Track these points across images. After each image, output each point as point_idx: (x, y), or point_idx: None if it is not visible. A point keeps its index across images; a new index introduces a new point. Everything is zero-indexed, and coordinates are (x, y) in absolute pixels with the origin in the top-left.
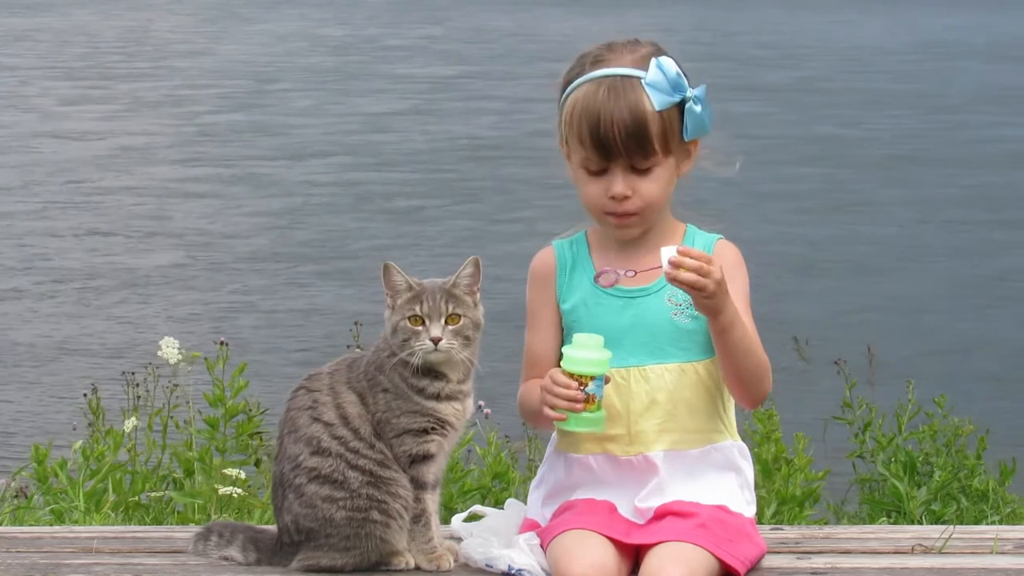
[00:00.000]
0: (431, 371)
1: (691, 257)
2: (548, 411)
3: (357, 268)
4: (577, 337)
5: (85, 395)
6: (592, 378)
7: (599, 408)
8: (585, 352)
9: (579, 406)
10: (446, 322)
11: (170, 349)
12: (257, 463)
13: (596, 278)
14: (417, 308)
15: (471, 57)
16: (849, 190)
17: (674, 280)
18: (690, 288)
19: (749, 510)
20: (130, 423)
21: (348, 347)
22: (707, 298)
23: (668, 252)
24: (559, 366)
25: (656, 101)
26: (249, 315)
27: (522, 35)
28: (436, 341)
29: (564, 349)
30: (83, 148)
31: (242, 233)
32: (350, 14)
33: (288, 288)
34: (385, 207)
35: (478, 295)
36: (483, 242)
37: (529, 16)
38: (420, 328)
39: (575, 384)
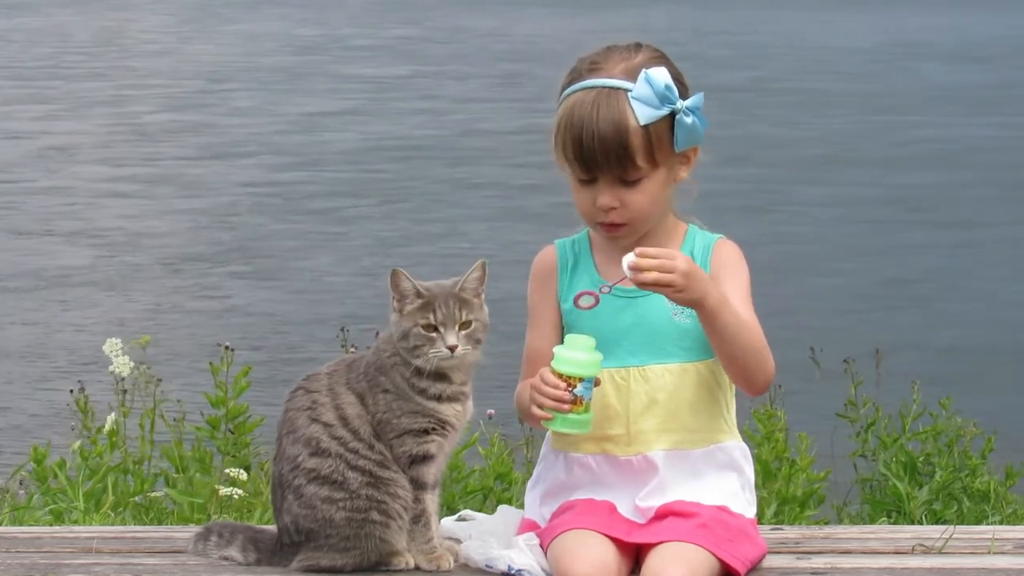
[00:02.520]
0: (435, 373)
1: (650, 256)
2: (536, 410)
3: (279, 268)
4: (569, 338)
5: (72, 391)
6: (580, 380)
7: (587, 410)
8: (575, 353)
9: (566, 407)
10: (459, 328)
11: (117, 358)
12: (247, 468)
13: (575, 301)
14: (431, 316)
15: (433, 57)
16: (773, 190)
17: (640, 284)
18: (658, 288)
19: (750, 511)
20: (110, 419)
21: (352, 348)
22: (679, 292)
23: (628, 259)
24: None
25: (641, 115)
26: (171, 315)
27: (497, 35)
28: (453, 349)
29: (555, 349)
30: (12, 148)
31: (165, 233)
32: (331, 15)
33: (210, 288)
34: (310, 207)
35: (483, 296)
36: (406, 241)
37: (516, 16)
38: (435, 335)
39: (564, 385)
